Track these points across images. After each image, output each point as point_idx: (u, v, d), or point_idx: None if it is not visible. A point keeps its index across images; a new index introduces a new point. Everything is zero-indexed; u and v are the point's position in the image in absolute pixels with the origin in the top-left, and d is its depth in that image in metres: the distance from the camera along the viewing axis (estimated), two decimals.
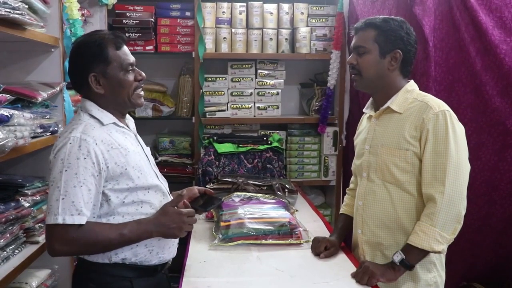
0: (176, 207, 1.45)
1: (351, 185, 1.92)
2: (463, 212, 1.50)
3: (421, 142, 1.53)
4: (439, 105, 1.54)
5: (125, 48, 1.46)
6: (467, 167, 1.54)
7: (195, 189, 1.64)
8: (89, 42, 1.42)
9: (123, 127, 1.49)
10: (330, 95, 2.99)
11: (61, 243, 1.30)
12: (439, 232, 1.47)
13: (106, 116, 1.44)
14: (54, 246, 1.31)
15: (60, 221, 1.27)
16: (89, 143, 1.33)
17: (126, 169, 1.39)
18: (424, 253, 1.51)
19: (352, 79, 1.69)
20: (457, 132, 1.52)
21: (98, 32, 1.48)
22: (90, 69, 1.40)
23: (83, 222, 1.31)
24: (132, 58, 1.47)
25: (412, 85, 1.64)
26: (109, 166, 1.36)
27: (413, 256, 1.51)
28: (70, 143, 1.32)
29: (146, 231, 1.40)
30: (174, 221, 1.41)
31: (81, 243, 1.32)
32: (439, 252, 1.52)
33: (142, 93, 1.51)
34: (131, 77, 1.46)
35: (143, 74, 1.50)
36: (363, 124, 1.79)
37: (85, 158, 1.31)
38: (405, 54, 1.58)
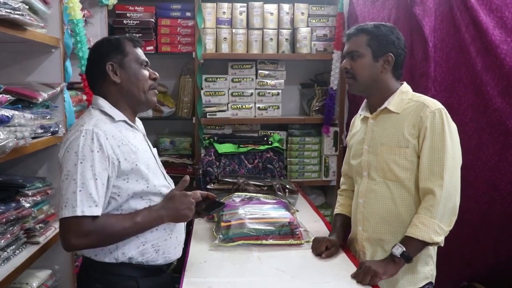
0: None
1: (343, 186, 1.96)
2: (458, 204, 1.55)
3: (420, 139, 1.58)
4: (434, 103, 1.60)
5: (140, 49, 1.54)
6: (461, 162, 1.59)
7: (198, 193, 1.64)
8: (108, 38, 1.54)
9: (132, 126, 1.51)
10: (333, 96, 2.98)
11: (76, 236, 1.30)
12: (438, 224, 1.51)
13: (118, 114, 1.46)
14: (70, 240, 1.31)
15: (79, 213, 1.27)
16: (101, 136, 1.34)
17: (136, 165, 1.41)
18: (423, 244, 1.54)
19: (347, 83, 1.73)
20: (452, 129, 1.58)
21: (115, 35, 1.59)
22: (107, 58, 1.46)
23: (100, 214, 1.32)
24: (146, 59, 1.54)
25: (406, 87, 1.70)
26: (120, 161, 1.37)
27: (413, 248, 1.53)
28: (83, 135, 1.33)
29: (158, 216, 1.42)
30: (183, 203, 1.44)
31: (96, 235, 1.32)
32: (437, 243, 1.54)
33: (157, 92, 1.56)
34: (146, 72, 1.51)
35: (157, 74, 1.55)
36: (357, 126, 1.83)
37: (98, 151, 1.32)
38: (396, 57, 1.64)
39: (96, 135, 1.33)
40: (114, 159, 1.35)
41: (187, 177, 1.50)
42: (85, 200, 1.29)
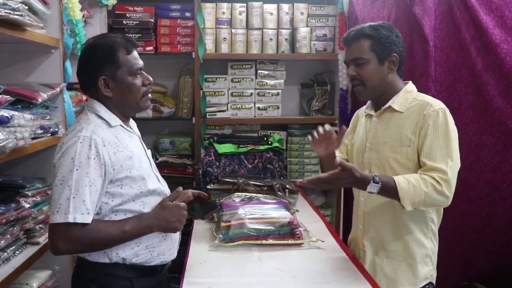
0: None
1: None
2: (445, 204, 1.53)
3: (420, 137, 1.57)
4: (438, 103, 1.61)
5: (135, 52, 1.48)
6: (459, 165, 1.58)
7: (189, 192, 1.63)
8: (101, 44, 1.43)
9: (128, 129, 1.50)
10: (344, 96, 2.97)
11: (65, 241, 1.31)
12: (420, 199, 1.48)
13: (114, 118, 1.45)
14: (58, 245, 1.31)
15: (71, 219, 1.28)
16: (98, 143, 1.34)
17: (130, 172, 1.40)
18: (395, 195, 1.50)
19: (355, 90, 1.70)
20: (454, 131, 1.57)
21: (109, 35, 1.49)
22: (100, 71, 1.42)
23: (90, 221, 1.32)
24: (141, 63, 1.49)
25: (411, 86, 1.70)
26: (115, 169, 1.37)
27: (387, 190, 1.50)
28: (81, 142, 1.33)
29: (148, 226, 1.41)
30: (174, 214, 1.43)
31: (84, 241, 1.33)
32: (403, 207, 1.51)
33: (150, 96, 1.53)
34: (138, 81, 1.47)
35: (151, 78, 1.51)
36: (361, 122, 1.82)
37: (94, 159, 1.32)
38: (399, 56, 1.65)
39: (94, 142, 1.33)
40: (109, 167, 1.36)
41: (181, 188, 1.51)
42: (78, 207, 1.29)
